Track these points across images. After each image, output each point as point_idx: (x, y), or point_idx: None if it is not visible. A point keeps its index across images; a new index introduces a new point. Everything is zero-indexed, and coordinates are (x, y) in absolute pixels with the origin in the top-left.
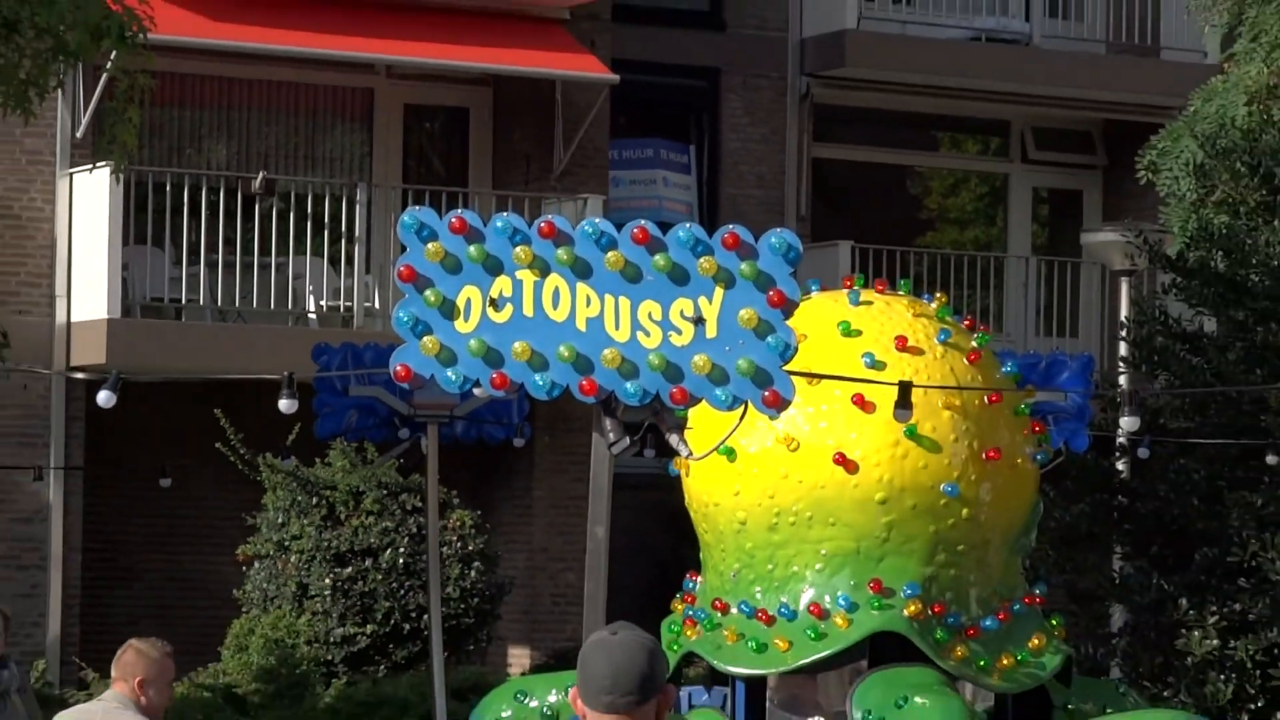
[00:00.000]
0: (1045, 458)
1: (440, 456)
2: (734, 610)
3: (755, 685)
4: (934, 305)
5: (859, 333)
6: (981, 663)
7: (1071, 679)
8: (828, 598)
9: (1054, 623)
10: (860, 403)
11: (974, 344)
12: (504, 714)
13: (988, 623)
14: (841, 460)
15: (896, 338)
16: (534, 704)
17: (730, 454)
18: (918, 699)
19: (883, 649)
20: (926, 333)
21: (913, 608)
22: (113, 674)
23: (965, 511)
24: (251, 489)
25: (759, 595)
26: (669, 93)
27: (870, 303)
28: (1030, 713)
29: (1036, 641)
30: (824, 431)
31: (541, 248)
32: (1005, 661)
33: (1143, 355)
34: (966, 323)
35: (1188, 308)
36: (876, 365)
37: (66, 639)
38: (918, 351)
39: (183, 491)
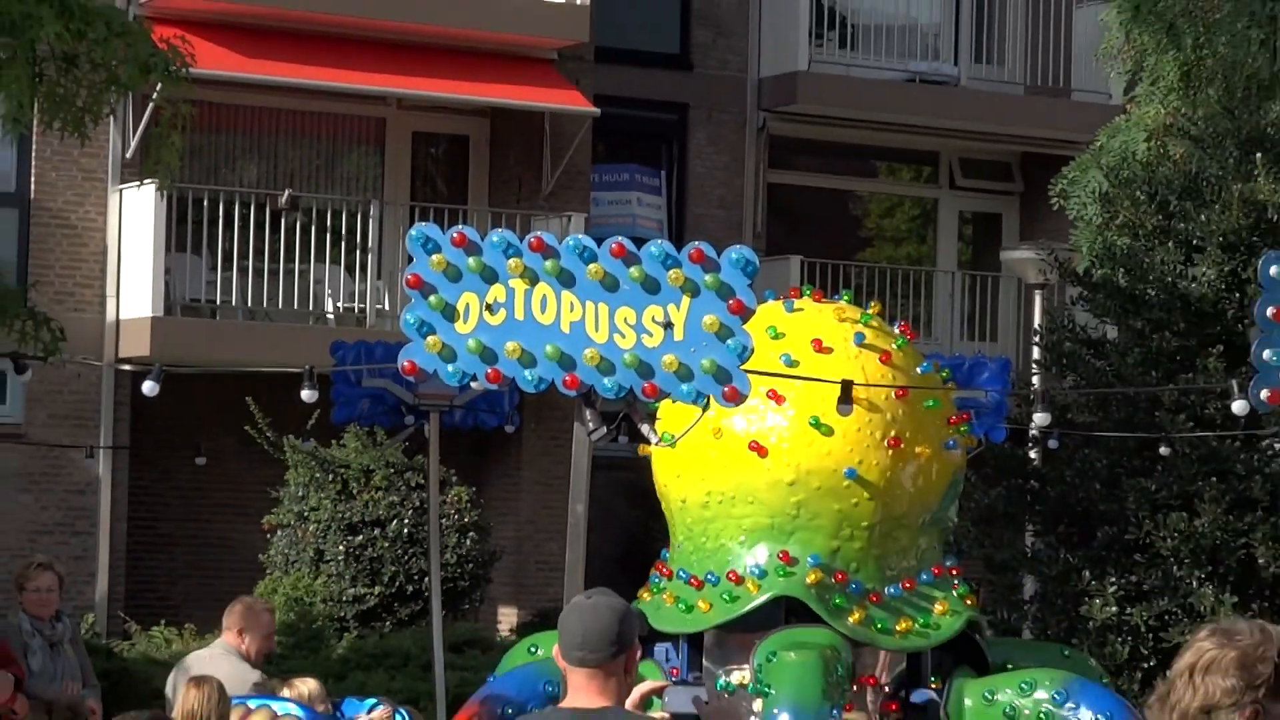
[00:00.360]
0: (955, 445)
1: (440, 440)
2: (676, 577)
3: (695, 642)
4: (864, 312)
5: (783, 335)
6: (880, 625)
7: (986, 639)
8: (745, 566)
9: (959, 592)
10: (774, 396)
11: (892, 346)
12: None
13: (891, 590)
14: (756, 447)
15: (813, 340)
16: (541, 653)
17: (672, 442)
18: (786, 654)
19: (800, 612)
20: (844, 336)
21: (813, 576)
22: (223, 625)
23: (866, 493)
24: (276, 467)
25: (694, 564)
26: (643, 124)
27: (802, 310)
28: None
29: (940, 608)
30: (744, 422)
31: (531, 260)
32: (903, 625)
33: (1053, 358)
34: (901, 327)
35: (1093, 317)
36: (792, 364)
37: (113, 596)
38: (829, 351)
39: (216, 469)
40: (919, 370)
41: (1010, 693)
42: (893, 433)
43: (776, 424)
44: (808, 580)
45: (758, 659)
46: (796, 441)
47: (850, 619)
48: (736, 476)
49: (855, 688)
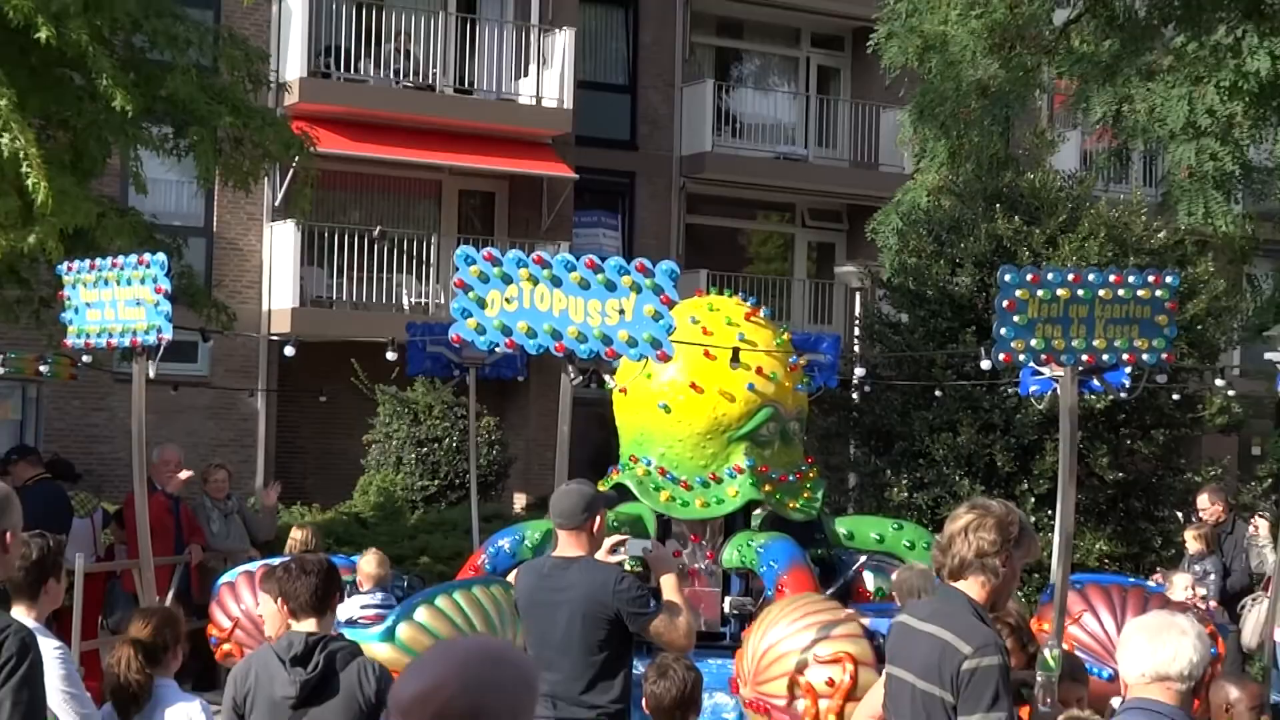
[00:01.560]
0: (753, 388)
1: (476, 386)
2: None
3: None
4: (710, 300)
5: None
6: (681, 502)
7: (817, 512)
8: (618, 465)
9: (752, 481)
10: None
11: (722, 324)
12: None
13: (699, 480)
14: (622, 390)
15: None
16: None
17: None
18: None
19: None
20: (685, 317)
21: (641, 470)
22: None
23: (676, 419)
24: (371, 403)
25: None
26: (607, 185)
27: (677, 303)
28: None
29: (732, 491)
30: (618, 375)
31: (535, 270)
32: (699, 502)
33: (867, 335)
34: (752, 310)
35: (893, 309)
36: None
37: (266, 486)
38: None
39: (333, 405)
40: (737, 338)
41: (745, 545)
42: (695, 380)
43: (626, 377)
44: (638, 473)
45: None
46: (636, 386)
47: (660, 497)
48: (619, 410)
49: (683, 542)
